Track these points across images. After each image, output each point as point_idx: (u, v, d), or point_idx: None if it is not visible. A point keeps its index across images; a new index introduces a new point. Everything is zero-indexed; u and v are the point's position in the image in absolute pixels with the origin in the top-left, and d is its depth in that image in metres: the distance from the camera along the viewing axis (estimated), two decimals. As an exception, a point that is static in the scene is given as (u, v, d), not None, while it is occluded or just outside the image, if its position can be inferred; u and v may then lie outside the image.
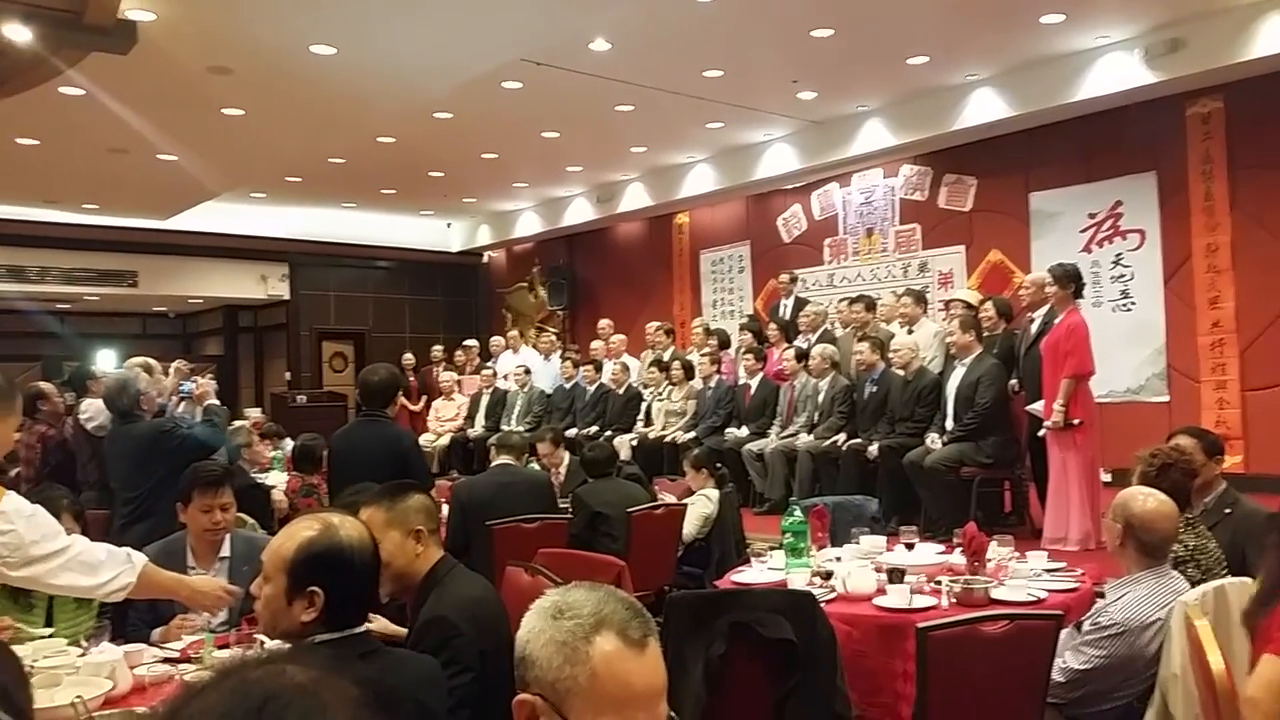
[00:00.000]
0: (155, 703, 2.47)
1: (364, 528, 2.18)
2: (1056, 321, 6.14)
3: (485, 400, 10.78)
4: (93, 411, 6.12)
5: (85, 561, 2.44)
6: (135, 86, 7.50)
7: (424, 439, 10.81)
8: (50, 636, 3.03)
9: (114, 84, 7.41)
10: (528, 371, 10.68)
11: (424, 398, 11.81)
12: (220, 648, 2.83)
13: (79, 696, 2.36)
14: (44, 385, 6.94)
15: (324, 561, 2.03)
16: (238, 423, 8.08)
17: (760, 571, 3.94)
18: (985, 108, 8.77)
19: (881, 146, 9.65)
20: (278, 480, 6.96)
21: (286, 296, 14.47)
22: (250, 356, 16.05)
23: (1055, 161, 9.00)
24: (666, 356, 9.70)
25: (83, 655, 2.72)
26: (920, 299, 8.03)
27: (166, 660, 2.82)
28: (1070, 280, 6.13)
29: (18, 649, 2.41)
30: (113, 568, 2.49)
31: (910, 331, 7.64)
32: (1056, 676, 2.90)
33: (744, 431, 8.33)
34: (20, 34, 6.28)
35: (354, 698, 0.79)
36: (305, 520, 2.13)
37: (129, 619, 3.10)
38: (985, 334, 6.81)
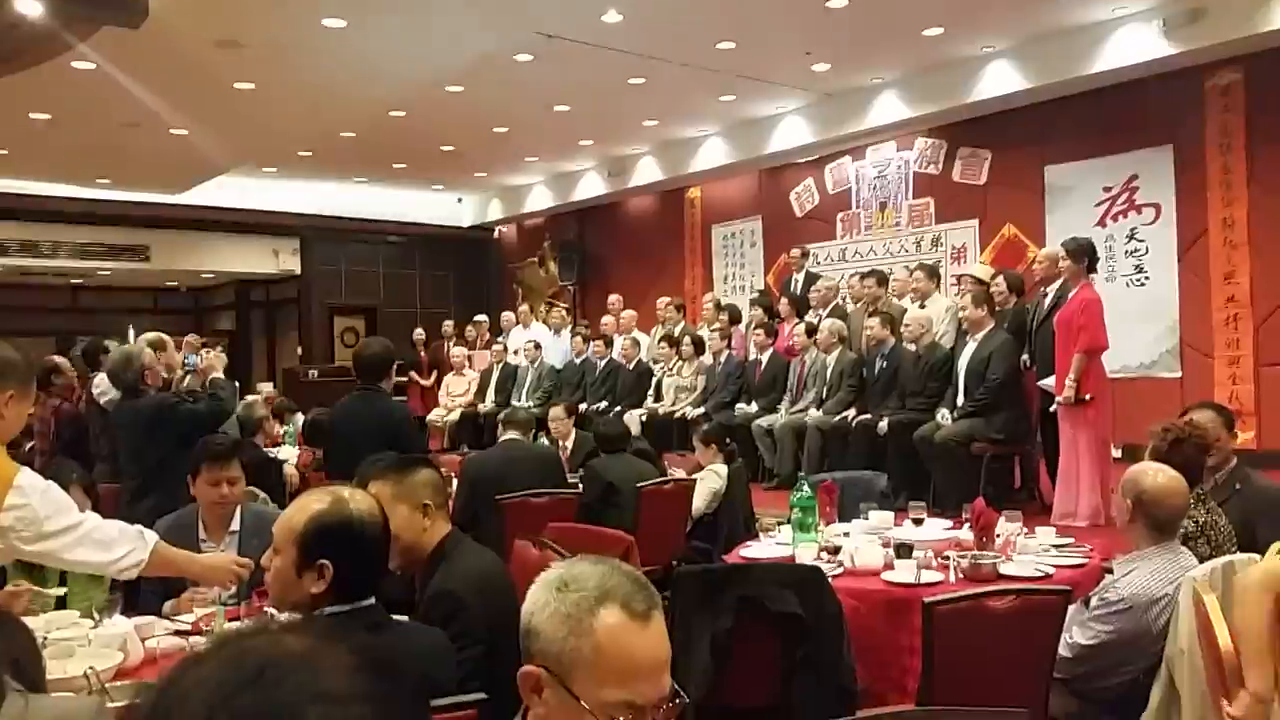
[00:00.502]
0: (164, 673, 2.49)
1: (374, 501, 2.19)
2: (1070, 296, 6.11)
3: (496, 375, 10.80)
4: (105, 385, 6.15)
5: (98, 538, 2.47)
6: (146, 60, 7.50)
7: (435, 414, 10.87)
8: (64, 595, 3.08)
9: (125, 58, 7.42)
10: (538, 347, 10.68)
11: (435, 373, 11.84)
12: (231, 620, 2.86)
13: (91, 667, 2.39)
14: (58, 359, 6.96)
15: (334, 534, 2.05)
16: (250, 397, 8.14)
17: (768, 546, 3.95)
18: (1001, 80, 8.69)
19: (896, 119, 9.57)
20: (289, 454, 7.01)
21: (298, 271, 14.51)
22: (262, 331, 16.12)
23: (1071, 135, 8.92)
24: (677, 332, 9.69)
25: (95, 628, 2.75)
26: (933, 273, 7.99)
27: (178, 633, 2.85)
28: (1083, 254, 6.09)
29: (31, 621, 2.45)
30: (125, 544, 2.51)
31: (922, 306, 7.61)
32: (1063, 652, 2.90)
33: (754, 407, 8.33)
34: (32, 7, 6.28)
35: (351, 664, 0.79)
36: (316, 493, 2.15)
37: (140, 591, 3.13)
38: (997, 309, 6.77)
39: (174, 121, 9.24)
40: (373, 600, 2.12)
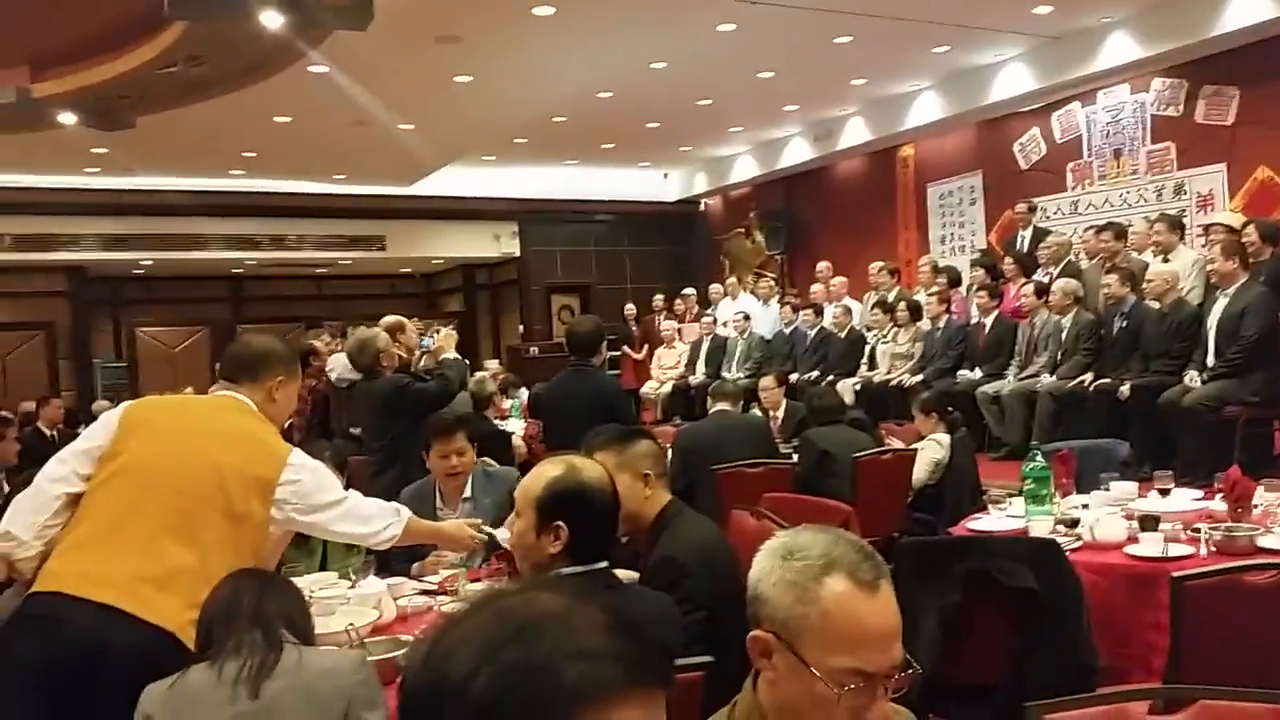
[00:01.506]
0: (417, 630, 2.71)
1: (604, 470, 2.31)
2: (1339, 242, 5.52)
3: (705, 347, 10.89)
4: (335, 364, 6.68)
5: (359, 513, 2.71)
6: (373, 61, 7.99)
7: (647, 387, 11.09)
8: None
9: (354, 60, 7.93)
10: (747, 318, 10.69)
11: (646, 346, 12.06)
12: (473, 581, 3.07)
13: (351, 624, 2.62)
14: (315, 342, 7.59)
15: (568, 498, 2.20)
16: (480, 374, 8.59)
17: (998, 519, 3.82)
18: (1248, 9, 7.84)
19: (1129, 60, 8.85)
20: (516, 426, 7.35)
21: (517, 253, 15.12)
22: (487, 312, 16.94)
23: (1335, 62, 7.98)
24: (891, 297, 9.44)
25: (352, 588, 3.02)
26: (1176, 225, 7.40)
27: (425, 593, 3.09)
28: (1354, 196, 5.48)
29: (297, 581, 2.72)
30: (383, 519, 2.75)
31: (1166, 260, 7.06)
32: (1337, 633, 2.66)
33: (977, 373, 8.00)
34: (273, 20, 6.83)
35: (604, 623, 0.84)
36: (551, 462, 2.30)
37: (393, 555, 3.40)
38: (1250, 260, 6.20)
39: (400, 117, 9.82)
40: (606, 564, 2.24)
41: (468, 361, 6.64)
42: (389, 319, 5.82)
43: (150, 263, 14.11)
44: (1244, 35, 8.11)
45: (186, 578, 2.31)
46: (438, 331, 5.90)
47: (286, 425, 6.65)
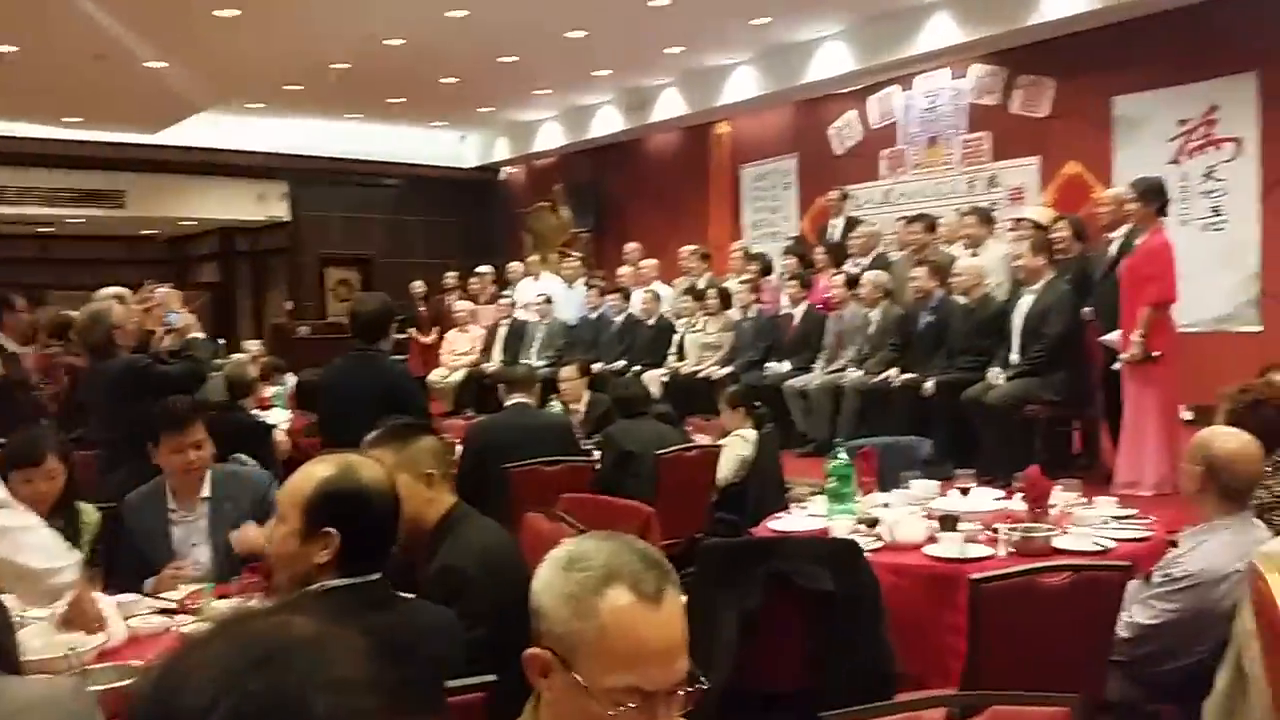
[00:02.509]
0: (151, 656, 2.56)
1: (385, 471, 2.25)
2: (1138, 243, 6.05)
3: (503, 332, 10.83)
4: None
5: (32, 542, 2.52)
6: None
7: (436, 374, 10.92)
8: None
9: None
10: (549, 301, 10.71)
11: (436, 329, 11.87)
12: (220, 597, 2.93)
13: (72, 649, 2.46)
14: (74, 314, 6.97)
15: (342, 502, 2.11)
16: (238, 356, 8.21)
17: (800, 518, 4.00)
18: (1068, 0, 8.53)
19: (950, 43, 9.39)
20: (279, 419, 7.08)
21: (286, 218, 14.57)
22: (248, 283, 16.23)
23: (1144, 61, 8.75)
24: (701, 284, 9.67)
25: (74, 606, 2.82)
26: (986, 218, 7.93)
27: (163, 611, 2.93)
28: (1155, 196, 6.02)
29: (5, 598, 2.51)
30: (62, 558, 2.57)
31: (975, 254, 7.56)
32: (1122, 632, 2.93)
33: (786, 366, 8.33)
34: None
35: (361, 649, 0.82)
36: (324, 460, 2.22)
37: (119, 565, 3.21)
38: (1057, 257, 6.72)
39: (149, 53, 9.24)
40: (379, 575, 2.17)
41: (222, 341, 6.33)
42: (111, 289, 5.45)
43: None
44: (1062, 25, 8.75)
45: None
46: (152, 293, 5.54)
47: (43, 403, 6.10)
